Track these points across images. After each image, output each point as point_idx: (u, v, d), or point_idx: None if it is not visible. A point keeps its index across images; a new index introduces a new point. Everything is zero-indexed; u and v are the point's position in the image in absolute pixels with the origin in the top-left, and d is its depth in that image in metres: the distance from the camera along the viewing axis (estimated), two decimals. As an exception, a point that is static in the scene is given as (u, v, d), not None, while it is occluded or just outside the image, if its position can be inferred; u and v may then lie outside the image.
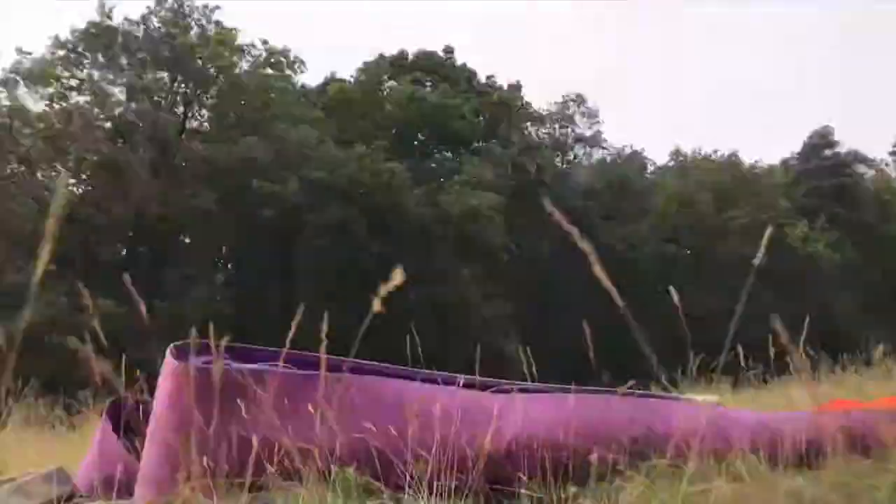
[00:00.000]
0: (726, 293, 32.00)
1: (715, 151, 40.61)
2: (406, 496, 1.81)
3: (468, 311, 27.52)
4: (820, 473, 1.38)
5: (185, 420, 1.90)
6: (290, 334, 1.42)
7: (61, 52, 26.08)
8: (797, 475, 1.44)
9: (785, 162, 44.17)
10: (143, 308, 1.23)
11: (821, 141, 41.81)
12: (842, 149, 41.89)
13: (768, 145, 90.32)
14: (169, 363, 2.05)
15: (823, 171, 40.28)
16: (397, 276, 0.88)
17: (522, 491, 1.82)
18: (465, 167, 31.49)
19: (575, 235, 0.77)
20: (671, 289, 1.89)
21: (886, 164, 46.63)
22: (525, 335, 28.27)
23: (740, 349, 3.63)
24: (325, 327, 1.35)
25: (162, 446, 1.98)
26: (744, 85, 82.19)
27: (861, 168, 43.21)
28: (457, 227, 28.18)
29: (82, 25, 26.41)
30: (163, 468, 1.97)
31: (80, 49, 26.26)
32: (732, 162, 39.08)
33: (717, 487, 1.34)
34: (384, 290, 0.90)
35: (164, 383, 2.02)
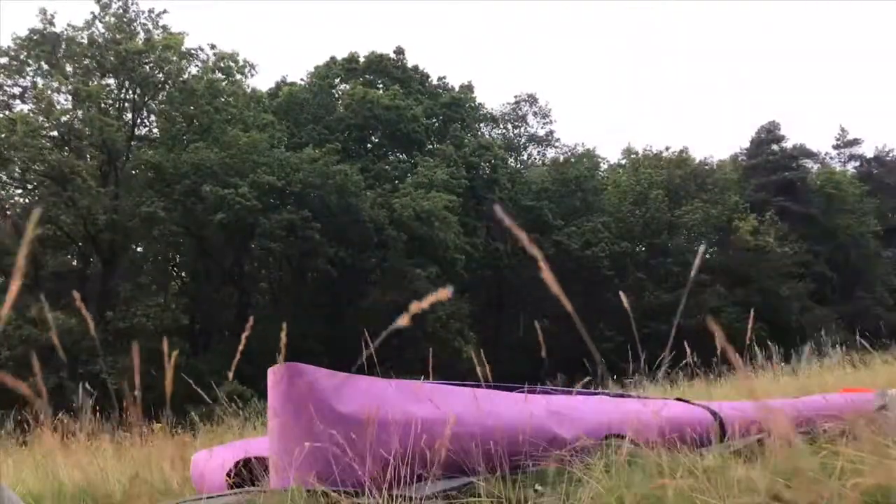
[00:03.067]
0: (680, 287, 32.50)
1: (666, 149, 41.18)
2: (366, 501, 1.80)
3: (425, 312, 27.43)
4: (770, 462, 1.40)
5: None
6: (241, 346, 1.41)
7: (3, 60, 25.51)
8: (750, 466, 1.47)
9: (734, 157, 44.95)
10: (90, 323, 1.20)
11: (768, 136, 42.68)
12: (788, 143, 42.85)
13: (717, 141, 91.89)
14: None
15: (771, 165, 41.11)
16: (443, 294, 0.88)
17: (482, 491, 1.81)
18: (418, 168, 31.49)
19: (524, 241, 0.75)
20: (621, 294, 1.91)
21: (830, 158, 47.80)
22: (481, 335, 28.39)
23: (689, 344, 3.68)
24: (283, 337, 1.34)
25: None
26: (693, 82, 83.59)
27: (807, 162, 44.19)
28: (411, 228, 28.16)
29: (24, 32, 25.92)
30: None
31: (22, 56, 25.70)
32: (683, 158, 39.61)
33: (674, 482, 1.35)
34: (416, 307, 0.90)
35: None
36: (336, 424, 2.03)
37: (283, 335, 1.36)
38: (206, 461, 2.72)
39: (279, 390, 2.13)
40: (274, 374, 2.15)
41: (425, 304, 0.86)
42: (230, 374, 1.54)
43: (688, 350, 3.71)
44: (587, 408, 2.59)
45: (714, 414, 2.77)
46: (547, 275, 0.72)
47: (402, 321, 0.90)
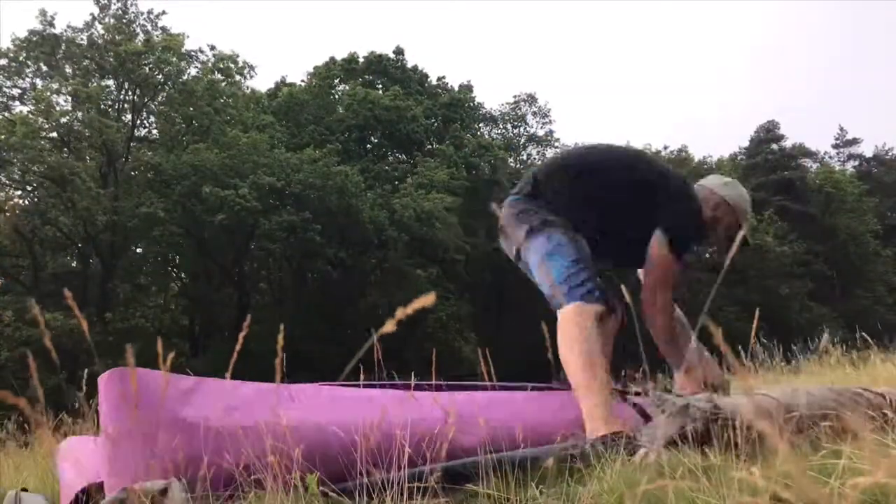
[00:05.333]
0: (680, 286, 32.51)
1: (665, 147, 41.22)
2: (364, 499, 1.80)
3: (425, 313, 27.51)
4: (772, 464, 1.41)
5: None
6: (238, 346, 1.40)
7: (2, 62, 25.52)
8: (751, 466, 1.47)
9: (733, 156, 45.00)
10: (84, 324, 1.20)
11: (767, 135, 42.72)
12: (787, 143, 42.90)
13: (717, 141, 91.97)
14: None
15: (770, 164, 41.14)
16: (429, 299, 0.87)
17: (482, 490, 1.81)
18: (418, 169, 31.50)
19: (518, 242, 0.75)
20: (622, 287, 1.91)
21: (829, 157, 47.87)
22: (482, 335, 28.39)
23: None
24: (280, 340, 1.33)
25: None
26: (692, 81, 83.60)
27: (806, 161, 44.25)
28: (411, 229, 28.17)
29: (23, 33, 25.94)
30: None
31: (21, 58, 25.71)
32: (682, 157, 39.65)
33: (674, 482, 1.35)
34: (402, 314, 0.89)
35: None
36: (179, 432, 1.85)
37: (280, 338, 1.35)
38: (63, 458, 2.47)
39: (111, 399, 1.89)
40: (103, 381, 1.91)
41: (410, 310, 0.85)
42: (227, 375, 1.54)
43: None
44: (490, 407, 2.38)
45: (635, 406, 2.68)
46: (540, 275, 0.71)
47: (389, 327, 0.89)
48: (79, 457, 2.37)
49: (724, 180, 3.10)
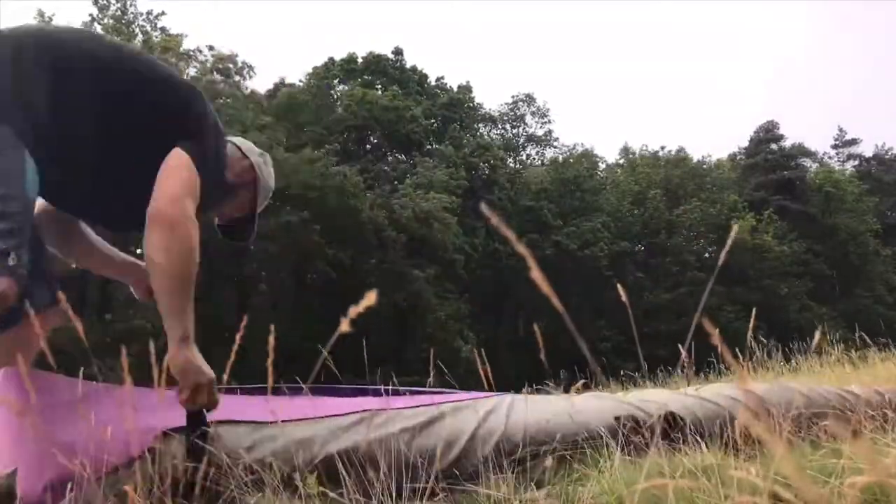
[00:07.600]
0: (679, 286, 32.54)
1: (663, 148, 41.23)
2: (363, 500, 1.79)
3: (424, 313, 27.50)
4: (771, 463, 1.41)
5: None
6: (235, 346, 1.40)
7: (1, 62, 25.53)
8: (750, 466, 1.47)
9: (732, 156, 45.00)
10: (80, 327, 1.21)
11: (766, 135, 42.72)
12: (786, 143, 42.90)
13: (716, 141, 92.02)
14: None
15: (770, 164, 41.14)
16: (370, 298, 0.87)
17: (481, 490, 1.81)
18: (417, 169, 31.47)
19: (512, 241, 0.75)
20: (619, 286, 1.88)
21: (829, 157, 47.85)
22: (481, 335, 28.38)
23: (691, 342, 3.68)
24: (271, 340, 1.33)
25: None
26: (692, 81, 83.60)
27: (805, 161, 44.24)
28: (411, 229, 28.15)
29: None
30: None
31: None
32: (681, 157, 39.63)
33: (674, 482, 1.35)
34: (354, 312, 0.89)
35: None
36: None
37: (271, 339, 1.35)
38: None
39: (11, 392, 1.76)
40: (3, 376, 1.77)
41: (361, 308, 0.86)
42: (226, 376, 1.54)
43: (689, 349, 3.69)
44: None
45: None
46: (536, 274, 0.71)
47: (344, 327, 0.89)
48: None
49: (259, 150, 2.36)
